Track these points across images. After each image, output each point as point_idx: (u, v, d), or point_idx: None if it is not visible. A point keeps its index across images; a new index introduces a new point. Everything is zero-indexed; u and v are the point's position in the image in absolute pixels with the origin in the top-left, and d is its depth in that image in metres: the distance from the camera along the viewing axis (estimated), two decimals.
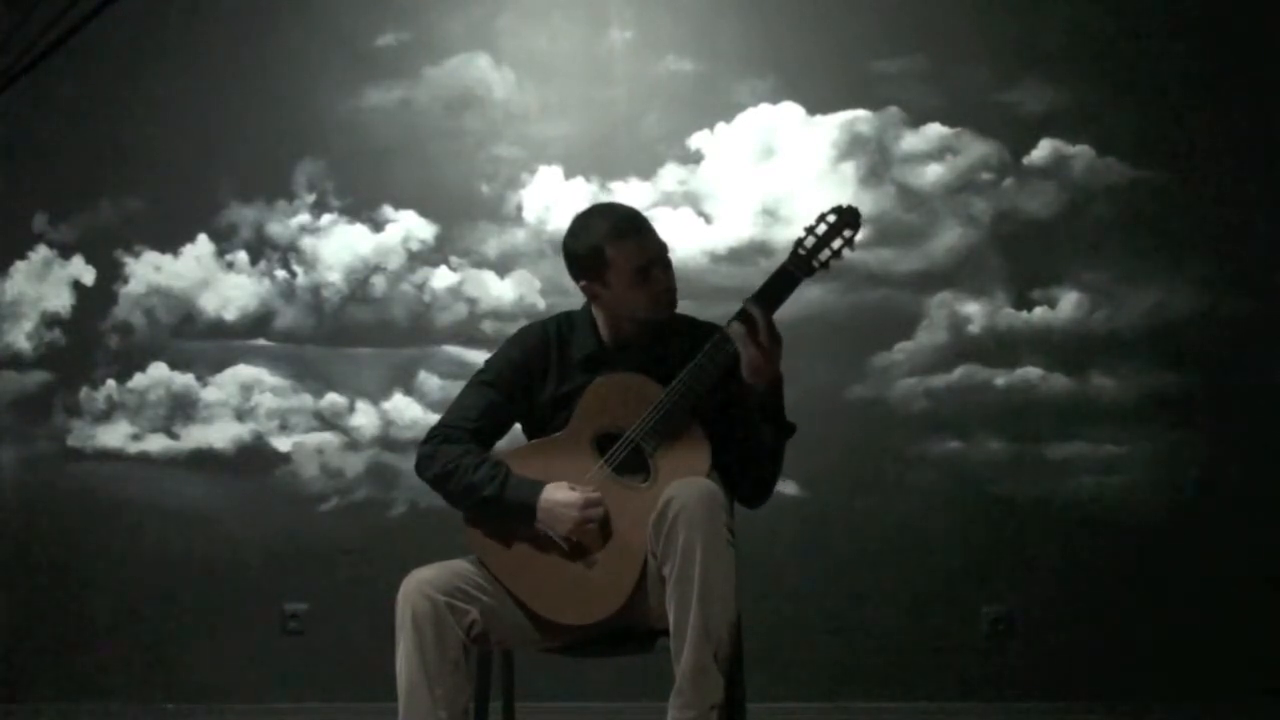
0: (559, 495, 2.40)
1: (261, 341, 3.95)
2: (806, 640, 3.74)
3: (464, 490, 2.44)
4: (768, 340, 2.38)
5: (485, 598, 2.40)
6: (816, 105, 3.84)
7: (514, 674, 2.67)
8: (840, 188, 3.80)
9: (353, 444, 3.91)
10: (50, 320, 3.98)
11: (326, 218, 3.95)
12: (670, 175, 3.86)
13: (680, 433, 2.42)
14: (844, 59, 3.85)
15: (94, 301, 3.97)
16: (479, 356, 3.50)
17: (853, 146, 3.83)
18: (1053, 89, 3.79)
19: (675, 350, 2.49)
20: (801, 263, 2.46)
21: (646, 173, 3.86)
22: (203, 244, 3.96)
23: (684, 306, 2.60)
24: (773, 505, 3.69)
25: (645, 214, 2.53)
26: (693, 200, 3.85)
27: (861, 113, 3.83)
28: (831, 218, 2.49)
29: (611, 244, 2.44)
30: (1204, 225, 3.75)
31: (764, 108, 3.86)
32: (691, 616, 2.22)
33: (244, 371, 3.94)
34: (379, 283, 3.94)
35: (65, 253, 3.98)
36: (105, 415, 3.94)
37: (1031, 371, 3.78)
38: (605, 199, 3.82)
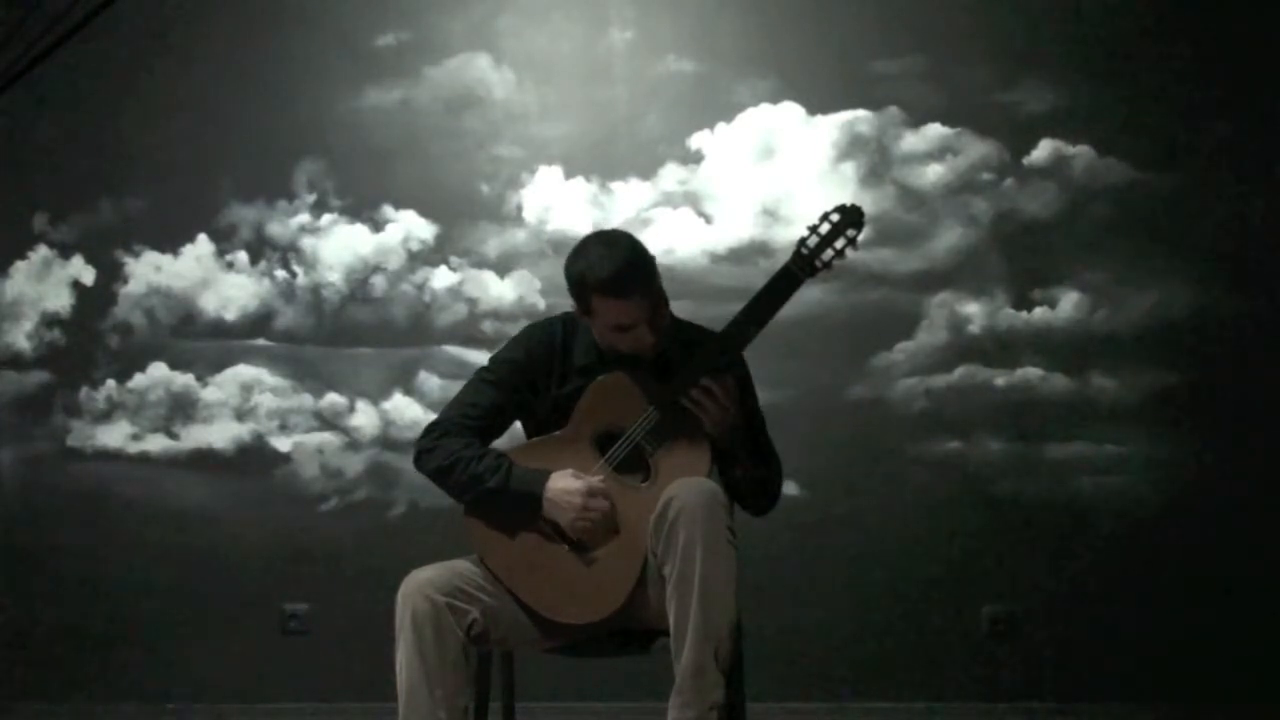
0: (564, 483, 2.40)
1: (261, 341, 3.95)
2: (806, 640, 3.73)
3: (468, 481, 2.43)
4: (713, 403, 2.39)
5: (485, 598, 2.39)
6: (816, 105, 3.84)
7: (514, 674, 2.67)
8: (840, 188, 3.79)
9: (353, 444, 3.91)
10: (50, 320, 3.98)
11: (326, 218, 3.95)
12: (670, 175, 3.85)
13: (680, 433, 2.42)
14: (844, 59, 3.85)
15: (94, 301, 3.96)
16: (479, 356, 3.50)
17: (853, 146, 3.83)
18: (1053, 89, 3.79)
19: (676, 353, 2.49)
20: (804, 263, 2.46)
21: (646, 173, 3.85)
22: (203, 244, 3.96)
23: (683, 307, 2.60)
24: None
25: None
26: (693, 200, 3.85)
27: (861, 113, 3.83)
28: (835, 217, 2.48)
29: (599, 298, 2.40)
30: (1204, 225, 3.76)
31: (764, 108, 3.86)
32: (691, 616, 2.22)
33: (244, 371, 3.94)
34: (379, 283, 3.93)
35: (65, 253, 3.98)
36: (105, 415, 3.94)
37: (1031, 371, 3.78)
38: (605, 199, 3.83)
